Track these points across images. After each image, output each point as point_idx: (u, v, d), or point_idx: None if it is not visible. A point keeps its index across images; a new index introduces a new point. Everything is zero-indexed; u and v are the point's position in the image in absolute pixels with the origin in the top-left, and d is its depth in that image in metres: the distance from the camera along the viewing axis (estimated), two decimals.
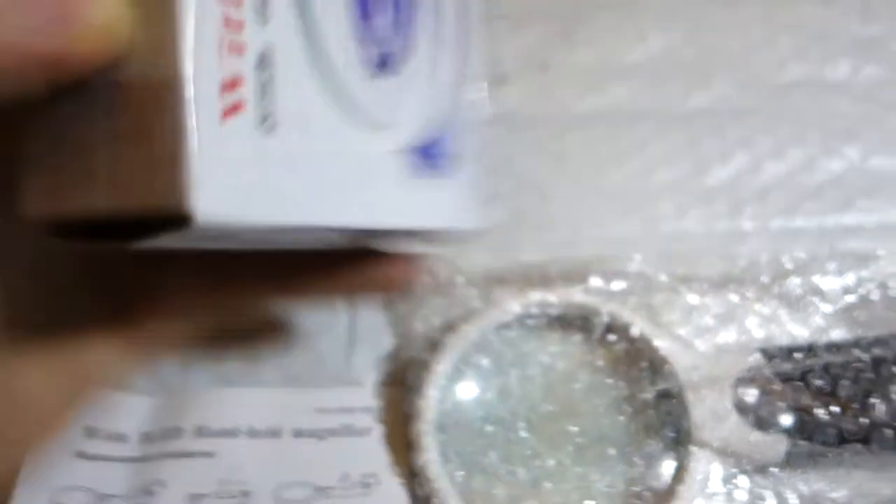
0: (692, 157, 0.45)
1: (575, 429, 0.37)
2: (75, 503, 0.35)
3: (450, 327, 0.39)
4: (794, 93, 0.47)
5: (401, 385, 0.39)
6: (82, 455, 0.36)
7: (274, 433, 0.38)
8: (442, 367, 0.38)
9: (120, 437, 0.37)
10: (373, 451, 0.37)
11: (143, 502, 0.36)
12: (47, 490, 0.35)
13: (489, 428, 0.37)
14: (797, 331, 0.39)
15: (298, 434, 0.38)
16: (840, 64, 0.48)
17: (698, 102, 0.45)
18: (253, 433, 0.38)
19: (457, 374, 0.39)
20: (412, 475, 0.36)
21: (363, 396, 0.39)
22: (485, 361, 0.39)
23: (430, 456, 0.36)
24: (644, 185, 0.45)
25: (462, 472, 0.36)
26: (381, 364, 0.40)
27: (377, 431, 0.38)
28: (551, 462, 0.36)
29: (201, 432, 0.37)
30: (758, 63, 0.47)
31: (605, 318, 0.38)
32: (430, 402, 0.37)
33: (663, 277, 0.40)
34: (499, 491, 0.36)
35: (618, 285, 0.40)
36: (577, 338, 0.39)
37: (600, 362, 0.38)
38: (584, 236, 0.43)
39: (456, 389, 0.38)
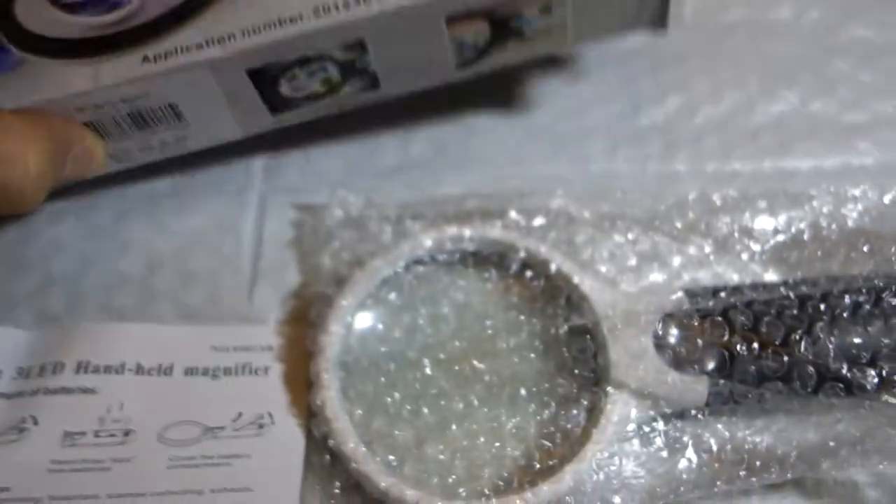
0: (626, 97, 0.43)
1: (484, 367, 0.34)
2: None
3: (359, 262, 0.36)
4: (735, 34, 0.45)
5: (304, 323, 0.36)
6: None
7: (164, 371, 0.35)
8: (347, 302, 0.35)
9: None
10: (270, 391, 0.35)
11: (13, 439, 0.33)
12: None
13: (393, 366, 0.35)
14: (725, 272, 0.36)
15: (190, 372, 0.35)
16: (783, 6, 0.46)
17: (635, 43, 0.42)
18: (140, 370, 0.35)
19: (363, 311, 0.36)
20: (310, 415, 0.33)
21: (264, 334, 0.36)
22: (393, 297, 0.36)
23: (329, 394, 0.33)
24: (574, 124, 0.42)
25: (361, 412, 0.34)
26: (285, 301, 0.37)
27: (276, 370, 0.35)
28: (459, 403, 0.34)
29: (84, 368, 0.34)
30: (700, 2, 0.45)
31: (522, 255, 0.36)
32: (333, 338, 0.34)
33: (586, 214, 0.38)
34: (401, 432, 0.33)
35: (538, 222, 0.37)
36: (493, 275, 0.37)
37: (515, 299, 0.36)
38: (507, 174, 0.40)
39: (361, 326, 0.36)
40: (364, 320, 0.36)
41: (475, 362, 0.34)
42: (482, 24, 0.34)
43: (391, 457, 0.33)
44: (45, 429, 0.33)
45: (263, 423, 0.34)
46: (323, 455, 0.33)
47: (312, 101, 0.37)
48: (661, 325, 0.34)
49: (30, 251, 0.39)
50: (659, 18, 0.36)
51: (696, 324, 0.34)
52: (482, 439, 0.33)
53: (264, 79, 0.35)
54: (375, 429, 0.34)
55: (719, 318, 0.34)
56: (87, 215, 0.39)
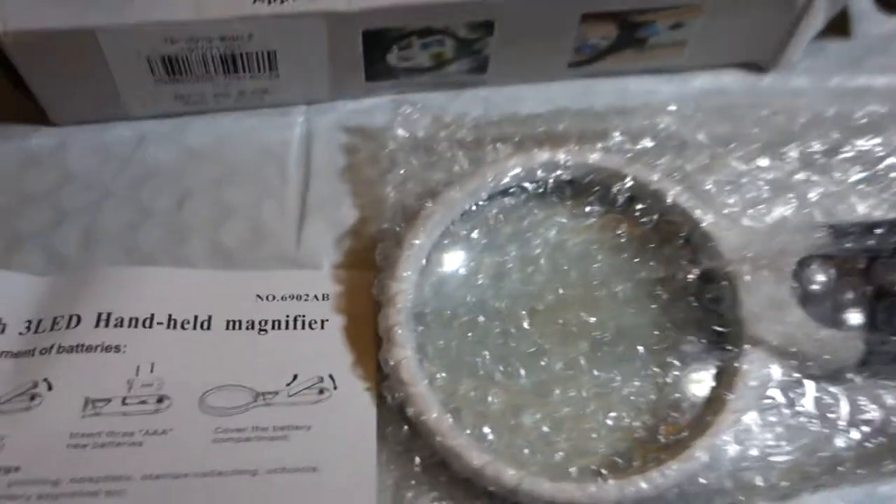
0: None
1: (591, 320, 0.28)
2: None
3: (431, 194, 0.30)
4: None
5: (366, 267, 0.30)
6: None
7: (200, 324, 0.29)
8: (420, 241, 0.29)
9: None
10: (329, 349, 0.29)
11: (23, 408, 0.27)
12: None
13: (481, 319, 0.29)
14: (873, 204, 0.30)
15: (233, 325, 0.29)
16: None
17: None
18: (173, 323, 0.29)
19: (440, 252, 0.30)
20: (381, 378, 0.28)
21: (318, 280, 0.30)
22: (476, 236, 0.30)
23: (404, 353, 0.27)
24: None
25: (444, 374, 0.28)
26: (340, 241, 0.31)
27: (335, 324, 0.29)
28: (560, 364, 0.28)
29: (105, 321, 0.29)
30: None
31: (630, 184, 0.30)
32: (405, 284, 0.28)
33: (701, 137, 0.31)
34: (494, 399, 0.28)
35: (645, 144, 0.31)
36: (595, 209, 0.30)
37: (623, 239, 0.30)
38: (601, 88, 0.34)
39: (439, 271, 0.30)
40: (441, 263, 0.30)
41: (582, 314, 0.28)
42: (611, 27, 0.32)
43: (484, 428, 0.27)
44: (61, 395, 0.27)
45: (324, 387, 0.28)
46: (399, 426, 0.27)
47: (412, 73, 0.33)
48: (803, 271, 0.28)
49: (36, 181, 0.32)
50: (770, 60, 0.35)
51: (845, 267, 0.28)
52: (592, 407, 0.27)
53: (377, 44, 0.31)
54: (462, 394, 0.28)
55: (872, 261, 0.28)
56: (104, 137, 0.33)
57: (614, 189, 0.30)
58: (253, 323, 0.29)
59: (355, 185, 0.33)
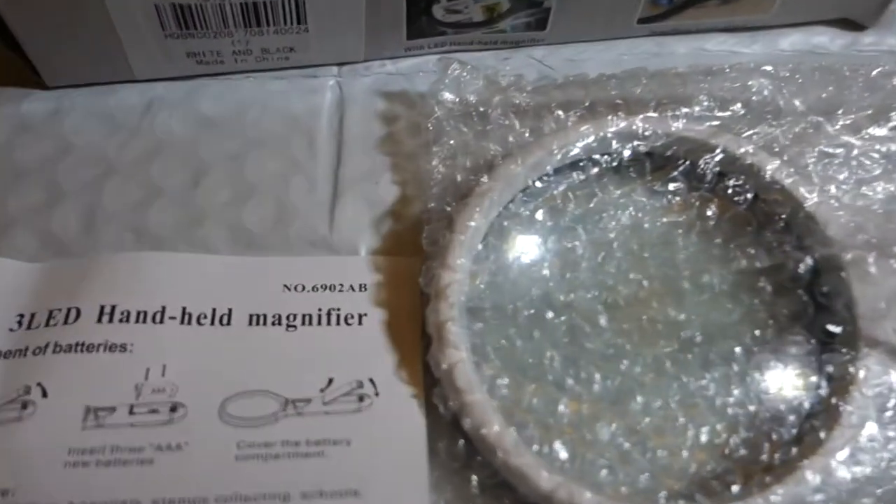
0: None
1: (679, 317, 0.24)
2: None
3: (486, 168, 0.26)
4: None
5: (410, 253, 0.26)
6: None
7: (220, 319, 0.25)
8: (476, 224, 0.25)
9: None
10: (369, 348, 0.25)
11: (13, 418, 0.23)
12: None
13: (549, 315, 0.25)
14: None
15: (257, 321, 0.25)
16: None
17: None
18: (187, 318, 0.25)
19: (497, 236, 0.26)
20: (430, 383, 0.24)
21: (353, 268, 0.26)
22: (540, 218, 0.26)
23: (459, 355, 0.23)
24: None
25: (506, 381, 0.24)
26: (378, 223, 0.27)
27: (375, 319, 0.25)
28: (642, 367, 0.24)
29: (108, 315, 0.25)
30: None
31: (720, 157, 0.26)
32: (459, 275, 0.24)
33: (799, 103, 0.27)
34: (564, 408, 0.23)
35: (735, 110, 0.27)
36: (678, 186, 0.26)
37: (713, 222, 0.26)
38: (674, 47, 0.30)
39: (496, 258, 0.26)
40: (499, 249, 0.26)
41: (667, 310, 0.24)
42: None
43: (555, 444, 0.23)
44: (57, 402, 0.23)
45: (364, 393, 0.24)
46: (453, 441, 0.23)
47: (460, 29, 0.29)
48: None
49: (29, 152, 0.28)
50: (871, 15, 0.31)
51: None
52: (681, 419, 0.23)
53: None
54: (526, 404, 0.24)
55: None
56: (107, 102, 0.29)
57: (701, 163, 0.26)
58: (280, 317, 0.25)
59: (395, 158, 0.29)
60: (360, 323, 0.25)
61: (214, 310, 0.25)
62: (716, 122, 0.26)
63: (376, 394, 0.24)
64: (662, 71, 0.27)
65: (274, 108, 0.29)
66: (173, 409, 0.24)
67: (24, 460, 0.22)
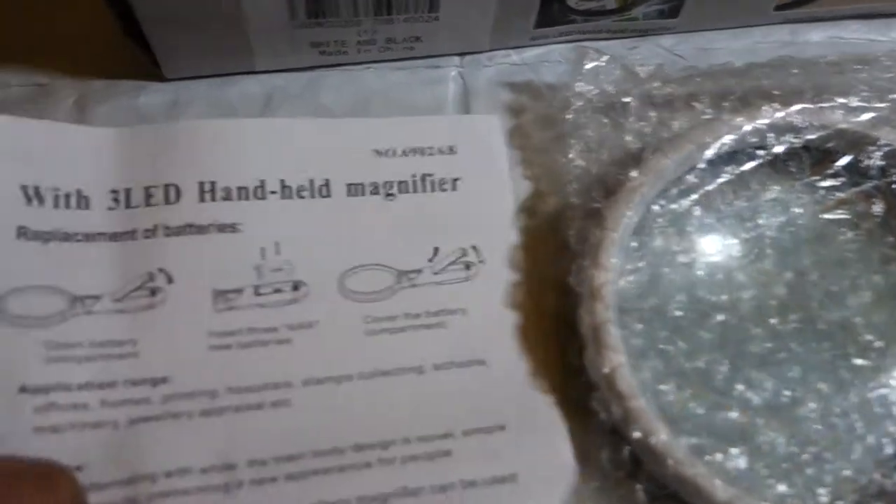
0: None
1: (855, 319, 0.23)
2: (35, 309, 0.22)
3: (631, 161, 0.25)
4: None
5: (546, 250, 0.25)
6: (27, 234, 0.22)
7: (319, 190, 0.25)
8: (627, 220, 0.24)
9: (80, 199, 0.23)
10: (465, 214, 0.25)
11: (144, 306, 0.23)
12: None
13: (704, 316, 0.23)
14: None
15: (355, 191, 0.25)
16: None
17: None
18: (287, 191, 0.24)
19: (648, 233, 0.25)
20: (584, 386, 0.23)
21: (440, 128, 0.27)
22: (692, 212, 0.25)
23: (619, 358, 0.22)
24: None
25: (668, 386, 0.23)
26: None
27: (468, 182, 0.26)
28: (816, 373, 0.23)
29: (209, 192, 0.24)
30: None
31: (886, 150, 0.24)
32: (613, 274, 0.23)
33: None
34: (731, 414, 0.22)
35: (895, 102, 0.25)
36: (841, 181, 0.25)
37: (878, 218, 0.24)
38: (809, 35, 0.28)
39: (648, 256, 0.24)
40: (651, 246, 0.24)
41: (832, 312, 0.23)
42: None
43: (726, 452, 0.22)
44: (185, 287, 0.23)
45: (469, 261, 0.24)
46: (615, 448, 0.22)
47: (591, 18, 0.28)
48: None
49: None
50: None
51: None
52: (859, 429, 0.22)
53: None
54: (691, 410, 0.22)
55: None
56: (227, 94, 0.28)
57: (864, 157, 0.24)
58: (377, 186, 0.25)
59: (524, 151, 0.27)
60: (454, 188, 0.25)
61: (312, 181, 0.25)
62: (873, 114, 0.25)
63: (481, 260, 0.24)
64: (813, 60, 0.26)
65: (396, 99, 0.28)
66: (295, 287, 0.23)
67: (168, 346, 0.22)
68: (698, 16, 0.28)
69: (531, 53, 0.29)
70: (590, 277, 0.23)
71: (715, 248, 0.24)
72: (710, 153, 0.24)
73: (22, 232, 0.22)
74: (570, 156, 0.26)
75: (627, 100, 0.26)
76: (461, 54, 0.29)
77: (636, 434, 0.21)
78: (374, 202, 0.25)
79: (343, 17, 0.25)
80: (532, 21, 0.27)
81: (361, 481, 0.21)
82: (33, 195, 0.23)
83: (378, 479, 0.21)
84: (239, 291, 0.23)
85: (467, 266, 0.24)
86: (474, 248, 0.24)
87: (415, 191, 0.25)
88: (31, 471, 0.19)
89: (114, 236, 0.23)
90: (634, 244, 0.24)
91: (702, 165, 0.25)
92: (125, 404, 0.21)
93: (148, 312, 0.22)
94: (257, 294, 0.23)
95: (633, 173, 0.24)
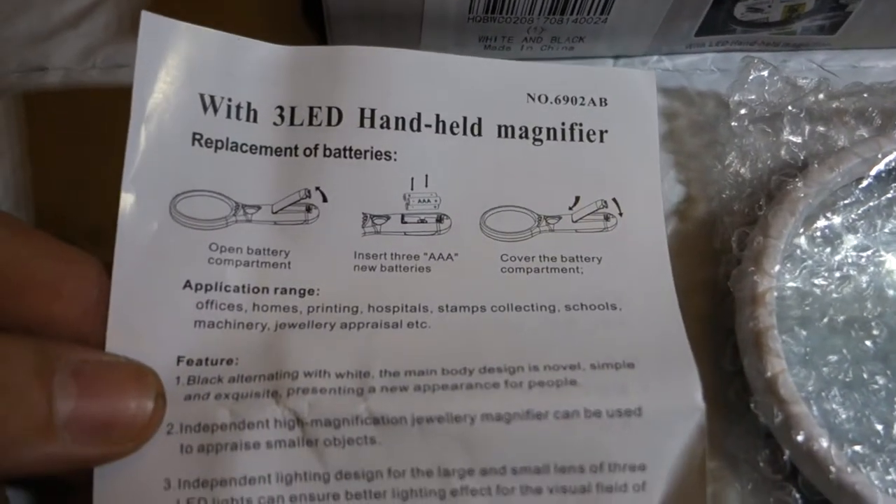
0: None
1: None
2: (202, 212, 0.23)
3: (792, 170, 0.25)
4: None
5: (700, 256, 0.25)
6: (201, 141, 0.23)
7: (471, 128, 0.25)
8: (790, 229, 0.24)
9: (250, 112, 0.24)
10: (610, 167, 0.25)
11: (299, 221, 0.24)
12: (163, 194, 0.23)
13: (875, 332, 0.24)
14: None
15: (506, 132, 0.25)
16: None
17: None
18: (441, 126, 0.25)
19: (809, 242, 0.25)
20: (737, 390, 0.23)
21: (594, 79, 0.26)
22: (858, 227, 0.25)
23: (781, 364, 0.22)
24: None
25: (830, 393, 0.23)
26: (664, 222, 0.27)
27: (615, 135, 0.26)
28: None
29: (369, 119, 0.24)
30: None
31: None
32: (775, 282, 0.23)
33: None
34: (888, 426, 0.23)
35: None
36: None
37: None
38: None
39: (805, 265, 0.25)
40: (810, 256, 0.25)
41: None
42: None
43: (884, 462, 0.22)
44: (338, 208, 0.24)
45: (609, 213, 0.25)
46: (774, 452, 0.22)
47: (750, 29, 0.28)
48: None
49: None
50: None
51: None
52: None
53: None
54: (847, 419, 0.23)
55: None
56: None
57: None
58: (526, 130, 0.25)
59: (678, 156, 0.28)
60: (601, 140, 0.25)
61: (465, 118, 0.25)
62: None
63: (620, 214, 0.25)
64: None
65: None
66: (439, 220, 0.24)
67: (318, 261, 0.23)
68: (856, 34, 0.28)
69: (683, 61, 0.29)
70: (753, 284, 0.23)
71: (872, 263, 0.24)
72: (876, 168, 0.25)
73: (197, 138, 0.23)
74: (727, 162, 0.26)
75: (793, 110, 0.26)
76: (615, 57, 0.29)
77: (798, 439, 0.22)
78: (521, 146, 0.25)
79: (517, 13, 0.26)
80: (695, 28, 0.28)
81: (487, 400, 0.21)
82: (209, 103, 0.23)
83: (503, 400, 0.21)
84: (386, 217, 0.24)
85: (606, 218, 0.25)
86: (615, 201, 0.25)
87: (562, 139, 0.25)
88: (126, 364, 0.20)
89: (277, 151, 0.24)
90: (793, 253, 0.24)
91: (868, 181, 0.25)
92: (274, 310, 0.22)
93: (302, 227, 0.23)
94: (403, 222, 0.24)
95: (799, 183, 0.24)
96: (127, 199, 0.22)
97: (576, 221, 0.25)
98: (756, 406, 0.23)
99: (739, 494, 0.23)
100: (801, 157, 0.26)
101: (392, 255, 0.23)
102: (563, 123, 0.25)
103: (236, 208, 0.23)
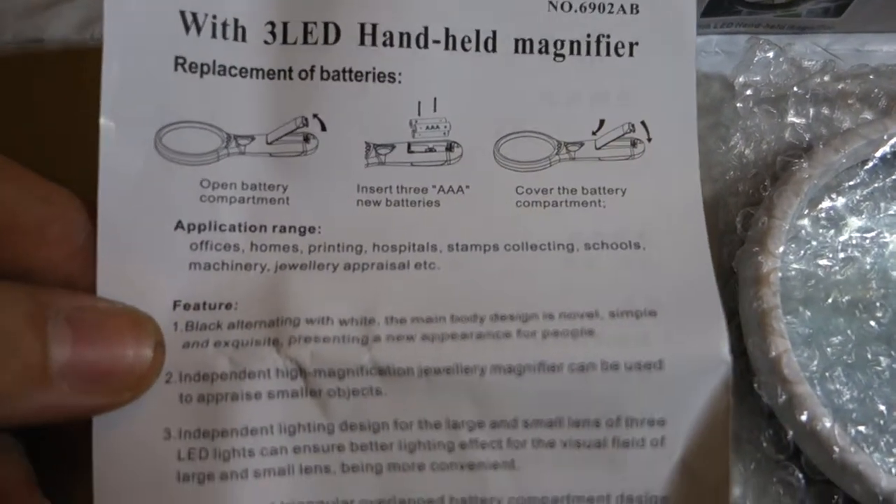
0: None
1: None
2: (190, 146, 0.21)
3: (796, 151, 0.25)
4: None
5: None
6: (184, 65, 0.21)
7: (484, 44, 0.23)
8: (794, 210, 0.24)
9: (237, 29, 0.22)
10: (639, 85, 0.23)
11: (297, 152, 0.22)
12: (147, 127, 0.21)
13: (879, 314, 0.24)
14: None
15: (523, 47, 0.23)
16: None
17: None
18: (451, 42, 0.22)
19: (813, 223, 0.25)
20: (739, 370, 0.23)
21: None
22: (862, 209, 0.25)
23: (785, 344, 0.22)
24: None
25: (838, 372, 0.23)
26: None
27: (646, 49, 0.23)
28: None
29: (371, 37, 0.22)
30: None
31: None
32: (780, 262, 0.23)
33: None
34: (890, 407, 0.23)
35: None
36: None
37: None
38: None
39: (809, 246, 0.25)
40: (815, 237, 0.25)
41: None
42: None
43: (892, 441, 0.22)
44: (338, 137, 0.22)
45: (636, 138, 0.22)
46: (776, 431, 0.22)
47: (756, 11, 0.27)
48: None
49: None
50: None
51: None
52: None
53: None
54: (849, 399, 0.23)
55: None
56: None
57: None
58: (546, 44, 0.23)
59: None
60: (630, 54, 0.23)
61: (478, 32, 0.23)
62: None
63: (649, 139, 0.22)
64: None
65: None
66: (449, 148, 0.22)
67: (318, 196, 0.21)
68: (861, 17, 0.28)
69: None
70: (757, 264, 0.23)
71: (876, 245, 0.24)
72: (881, 150, 0.25)
73: (180, 62, 0.21)
74: (731, 144, 0.26)
75: (798, 91, 0.26)
76: None
77: (802, 419, 0.22)
78: (540, 62, 0.23)
79: None
80: (700, 9, 0.27)
81: (498, 351, 0.20)
82: (191, 22, 0.21)
83: (515, 351, 0.20)
84: (391, 147, 0.22)
85: (633, 143, 0.22)
86: (644, 124, 0.22)
87: (587, 53, 0.23)
88: (123, 311, 0.19)
89: (269, 74, 0.22)
90: (797, 234, 0.24)
91: (872, 163, 0.25)
92: (274, 250, 0.21)
93: (300, 159, 0.22)
94: (409, 151, 0.22)
95: (804, 164, 0.24)
96: (107, 132, 0.20)
97: (599, 148, 0.22)
98: (760, 386, 0.22)
99: (742, 474, 0.23)
100: (806, 139, 0.26)
101: (398, 188, 0.22)
102: (588, 35, 0.23)
103: (227, 140, 0.21)
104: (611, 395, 0.20)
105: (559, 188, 0.22)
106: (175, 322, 0.20)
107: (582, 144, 0.22)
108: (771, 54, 0.27)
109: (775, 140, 0.26)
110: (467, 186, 0.22)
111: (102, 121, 0.20)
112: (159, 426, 0.19)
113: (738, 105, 0.26)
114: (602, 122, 0.22)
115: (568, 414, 0.20)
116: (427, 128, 0.22)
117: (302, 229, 0.21)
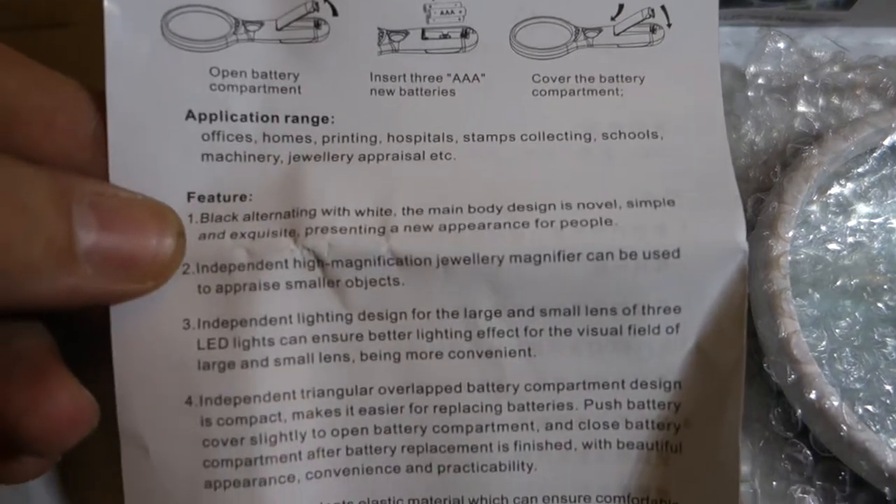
0: None
1: None
2: (197, 31, 0.21)
3: (812, 139, 0.26)
4: None
5: None
6: None
7: None
8: (804, 196, 0.24)
9: None
10: None
11: (307, 39, 0.21)
12: (152, 10, 0.20)
13: (886, 297, 0.24)
14: None
15: None
16: None
17: None
18: None
19: (822, 209, 0.25)
20: (754, 349, 0.23)
21: None
22: (870, 195, 0.25)
23: (794, 325, 0.23)
24: None
25: (846, 353, 0.23)
26: None
27: None
28: None
29: None
30: None
31: None
32: (789, 246, 0.24)
33: None
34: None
35: None
36: None
37: None
38: None
39: (818, 231, 0.25)
40: (823, 221, 0.25)
41: None
42: None
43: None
44: (350, 22, 0.21)
45: (656, 24, 0.22)
46: (785, 409, 0.23)
47: (767, 3, 0.27)
48: None
49: None
50: None
51: None
52: None
53: None
54: (857, 379, 0.23)
55: None
56: None
57: None
58: None
59: None
60: None
61: None
62: None
63: (668, 24, 0.22)
64: None
65: None
66: (464, 34, 0.22)
67: (330, 84, 0.21)
68: (870, 10, 0.29)
69: None
70: (768, 248, 0.24)
71: (883, 230, 0.25)
72: (890, 138, 0.25)
73: None
74: (742, 131, 0.27)
75: (809, 81, 0.27)
76: None
77: (811, 397, 0.22)
78: None
79: None
80: None
81: (516, 240, 0.20)
82: None
83: (533, 240, 0.20)
84: (405, 33, 0.21)
85: (652, 29, 0.22)
86: (663, 8, 0.22)
87: None
88: (144, 201, 0.19)
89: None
90: (807, 219, 0.25)
91: (881, 151, 0.25)
92: (286, 140, 0.21)
93: (311, 46, 0.21)
94: (423, 38, 0.21)
95: (814, 151, 0.25)
96: (112, 17, 0.20)
97: (618, 34, 0.22)
98: (769, 366, 0.23)
99: (751, 451, 0.23)
100: (816, 128, 0.26)
101: (412, 76, 0.21)
102: None
103: (236, 25, 0.21)
104: (628, 284, 0.20)
105: (577, 76, 0.22)
106: (190, 214, 0.20)
107: (600, 30, 0.22)
108: (782, 45, 0.27)
109: (785, 128, 0.26)
110: (483, 75, 0.22)
111: (106, 4, 0.20)
112: (178, 316, 0.19)
113: (750, 94, 0.27)
114: (621, 6, 0.22)
115: (585, 302, 0.20)
116: (442, 13, 0.21)
117: (315, 119, 0.21)
